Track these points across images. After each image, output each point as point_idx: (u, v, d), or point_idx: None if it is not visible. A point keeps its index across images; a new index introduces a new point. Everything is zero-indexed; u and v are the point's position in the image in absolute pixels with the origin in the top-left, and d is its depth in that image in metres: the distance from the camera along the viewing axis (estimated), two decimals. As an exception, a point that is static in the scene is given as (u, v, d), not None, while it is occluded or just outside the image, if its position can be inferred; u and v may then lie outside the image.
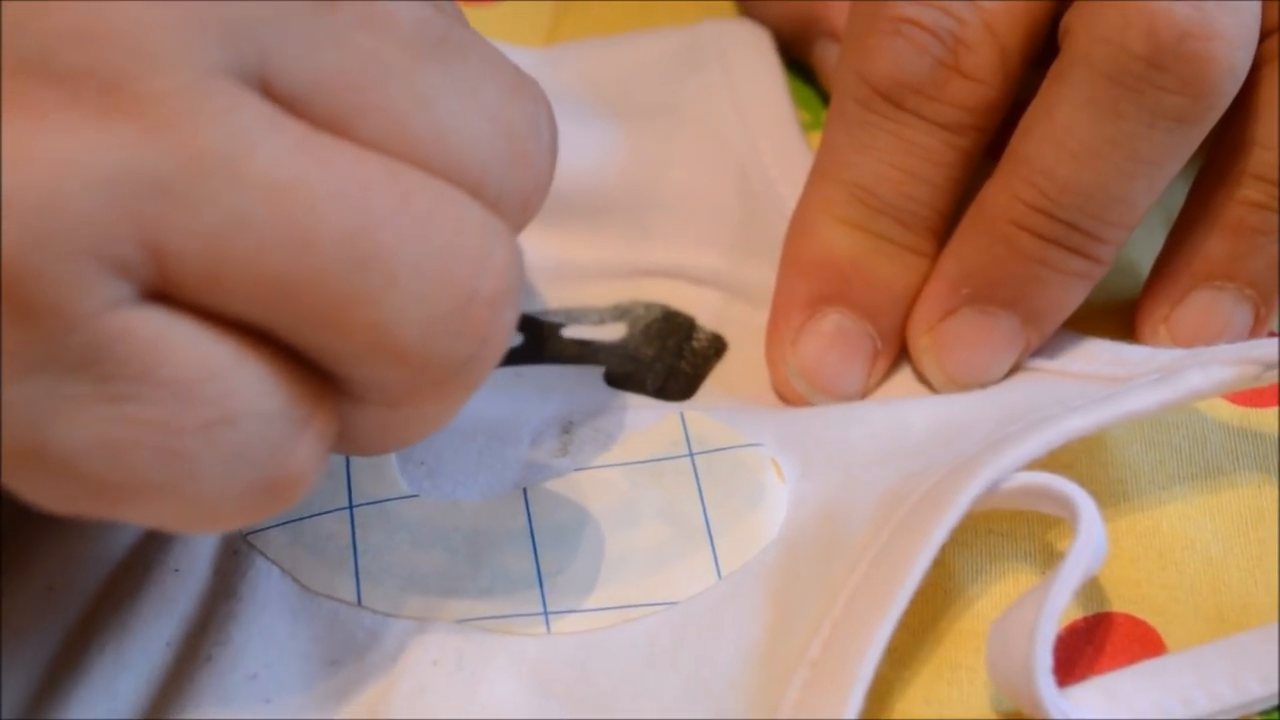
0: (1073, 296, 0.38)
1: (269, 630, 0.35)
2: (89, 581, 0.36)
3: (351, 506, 0.37)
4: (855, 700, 0.32)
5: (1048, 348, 0.39)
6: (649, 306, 0.41)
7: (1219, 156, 0.39)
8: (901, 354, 0.40)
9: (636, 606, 0.35)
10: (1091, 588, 0.36)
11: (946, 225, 0.39)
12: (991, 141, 0.39)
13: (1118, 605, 0.35)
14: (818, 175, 0.39)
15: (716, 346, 0.41)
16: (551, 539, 0.36)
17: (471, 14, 0.48)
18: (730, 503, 0.36)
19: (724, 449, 0.37)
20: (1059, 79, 0.36)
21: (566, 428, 0.38)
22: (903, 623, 0.34)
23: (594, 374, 0.40)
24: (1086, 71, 0.36)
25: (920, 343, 0.39)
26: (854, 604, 0.33)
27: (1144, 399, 0.35)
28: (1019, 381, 0.39)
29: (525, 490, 0.37)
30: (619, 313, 0.41)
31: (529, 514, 0.36)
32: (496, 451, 0.38)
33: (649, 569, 0.36)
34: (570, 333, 0.41)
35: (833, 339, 0.39)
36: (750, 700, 0.33)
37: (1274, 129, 0.38)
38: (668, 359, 0.40)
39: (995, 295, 0.38)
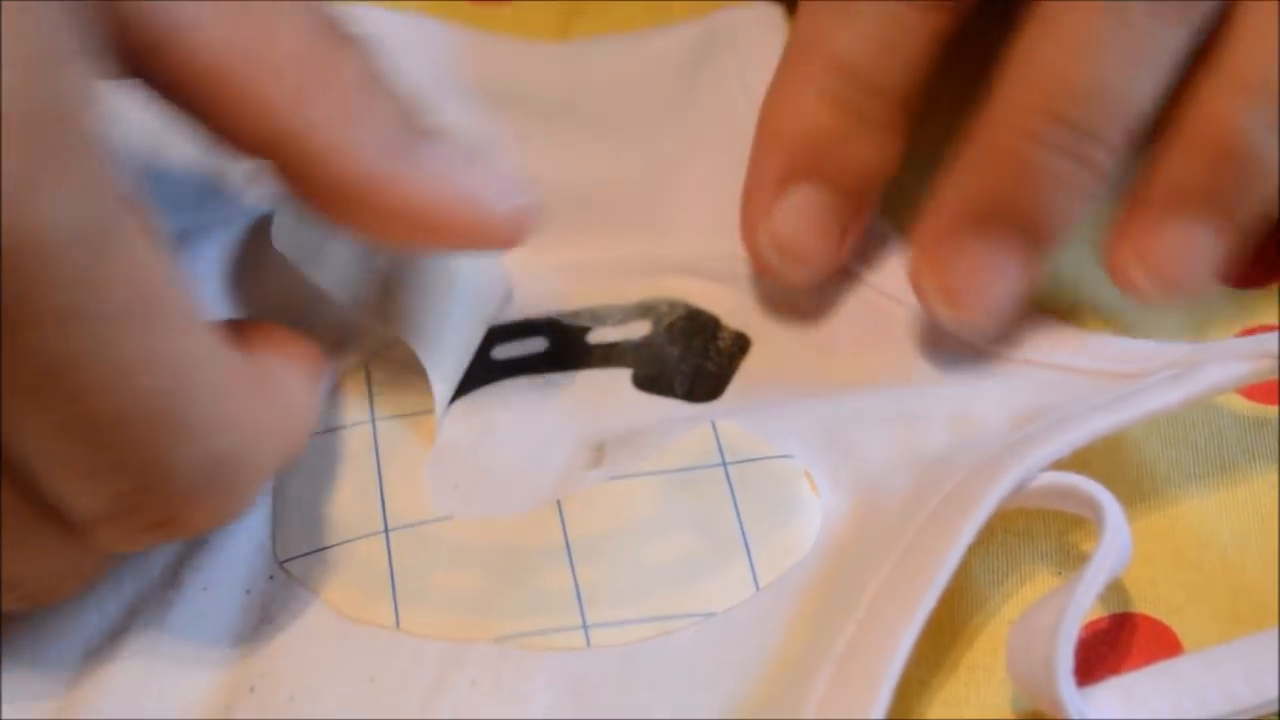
0: (1075, 213, 0.38)
1: (309, 659, 0.35)
2: (121, 598, 0.36)
3: (387, 531, 0.37)
4: (883, 699, 0.32)
5: (1049, 343, 0.39)
6: (673, 304, 0.41)
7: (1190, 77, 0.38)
8: (899, 320, 0.40)
9: (675, 618, 0.35)
10: (1108, 587, 0.35)
11: (919, 103, 0.39)
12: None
13: (1134, 605, 0.36)
14: (793, 49, 0.40)
15: (740, 344, 0.40)
16: (587, 551, 0.36)
17: (482, 13, 0.48)
18: (766, 514, 0.36)
19: (757, 459, 0.37)
20: None
21: (599, 446, 0.38)
22: (920, 623, 0.34)
23: (621, 377, 0.40)
24: None
25: (923, 272, 0.39)
26: (879, 604, 0.33)
27: (1166, 397, 0.35)
28: (1027, 377, 0.38)
29: (559, 503, 0.37)
30: (643, 310, 0.41)
31: (564, 527, 0.36)
32: (529, 471, 0.38)
33: (685, 579, 0.36)
34: (595, 337, 0.41)
35: (806, 212, 0.39)
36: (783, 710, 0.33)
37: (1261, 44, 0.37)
38: (694, 359, 0.40)
39: (1001, 220, 0.38)
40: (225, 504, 0.32)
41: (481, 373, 0.40)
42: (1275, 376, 0.36)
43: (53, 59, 0.28)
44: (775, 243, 0.39)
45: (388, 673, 0.35)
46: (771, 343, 0.40)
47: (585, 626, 0.35)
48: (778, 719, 0.33)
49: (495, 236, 0.35)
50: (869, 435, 0.38)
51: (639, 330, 0.41)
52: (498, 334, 0.41)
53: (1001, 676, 0.34)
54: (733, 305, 0.41)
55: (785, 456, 0.37)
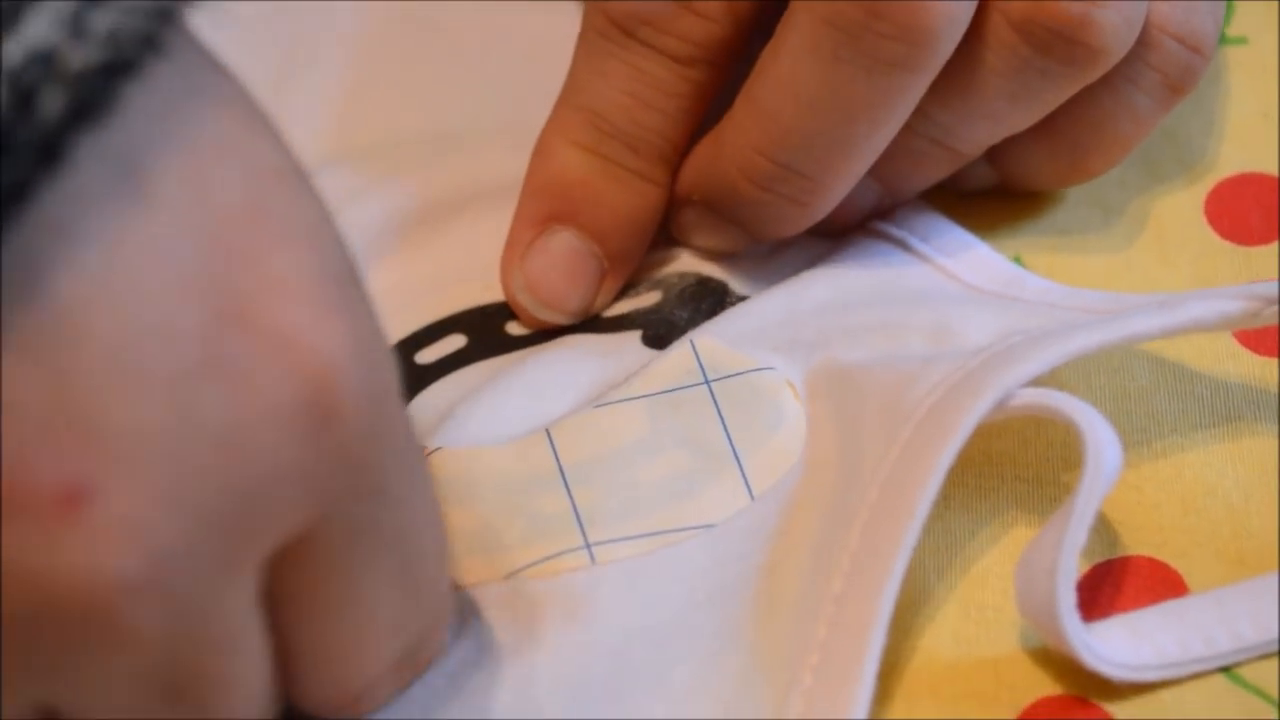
0: (784, 230, 0.40)
1: None
2: None
3: None
4: (878, 637, 0.33)
5: (1035, 290, 0.40)
6: (683, 275, 0.42)
7: None
8: (897, 263, 0.41)
9: (675, 531, 0.36)
10: (1114, 533, 0.36)
11: (679, 154, 0.41)
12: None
13: (1142, 550, 0.36)
14: (559, 101, 0.41)
15: None
16: (581, 474, 0.37)
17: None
18: (752, 426, 0.37)
19: (739, 374, 0.38)
20: (786, 22, 0.38)
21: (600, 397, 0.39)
22: (929, 563, 0.35)
23: (631, 338, 0.41)
24: (808, 17, 0.37)
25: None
26: (870, 535, 0.34)
27: (1147, 323, 0.36)
28: (1012, 308, 0.39)
29: (548, 430, 0.37)
30: (653, 283, 0.42)
31: (555, 453, 0.37)
32: (532, 405, 0.39)
33: (681, 494, 0.36)
34: (607, 311, 0.42)
35: (559, 257, 0.40)
36: (783, 644, 0.34)
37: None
38: (702, 321, 0.41)
39: (722, 210, 0.40)
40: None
41: (496, 347, 0.41)
42: (1260, 322, 0.36)
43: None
44: (528, 286, 0.41)
45: None
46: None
47: (588, 545, 0.36)
48: (787, 663, 0.33)
49: None
50: (850, 345, 0.38)
51: (649, 300, 0.41)
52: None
53: (1011, 614, 0.35)
54: (743, 273, 0.42)
55: (767, 369, 0.38)
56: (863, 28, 0.36)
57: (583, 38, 0.41)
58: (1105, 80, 0.38)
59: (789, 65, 0.37)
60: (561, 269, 0.40)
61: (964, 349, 0.37)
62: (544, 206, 0.41)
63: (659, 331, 0.41)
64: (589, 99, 0.40)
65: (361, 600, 0.30)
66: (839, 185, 0.39)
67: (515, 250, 0.41)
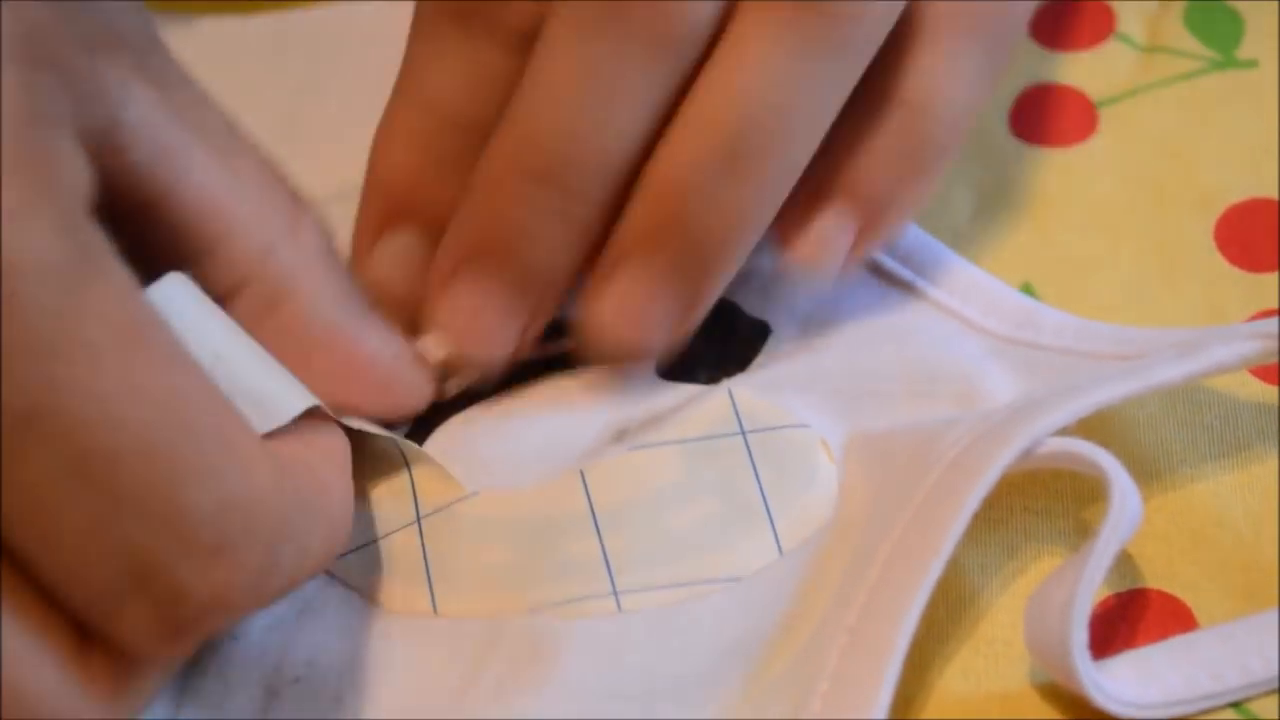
0: (562, 260, 0.38)
1: (353, 657, 0.36)
2: None
3: (419, 519, 0.38)
4: (893, 669, 0.33)
5: (1054, 328, 0.40)
6: None
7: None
8: (910, 305, 0.41)
9: (703, 583, 0.36)
10: (1125, 565, 0.36)
11: None
12: None
13: (1150, 582, 0.36)
14: (394, 91, 0.40)
15: (760, 331, 0.41)
16: (613, 519, 0.37)
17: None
18: (785, 482, 0.37)
19: (775, 429, 0.38)
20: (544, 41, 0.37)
21: (622, 432, 0.39)
22: (939, 597, 0.35)
23: (645, 368, 0.41)
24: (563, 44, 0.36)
25: (430, 306, 0.39)
26: (889, 572, 0.34)
27: (1171, 371, 0.36)
28: (1033, 359, 0.39)
29: (582, 472, 0.38)
30: None
31: (588, 495, 0.37)
32: (553, 449, 0.39)
33: (711, 545, 0.37)
34: None
35: (398, 257, 0.39)
36: (793, 675, 0.34)
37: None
38: (716, 347, 0.41)
39: (492, 266, 0.38)
40: (243, 567, 0.30)
41: (509, 371, 0.41)
42: (1277, 360, 0.36)
43: (45, 120, 0.29)
44: (372, 290, 0.39)
45: (430, 660, 0.36)
46: (788, 329, 0.41)
47: (615, 593, 0.36)
48: (794, 690, 0.34)
49: (406, 405, 0.38)
50: (879, 407, 0.38)
51: None
52: None
53: (1019, 649, 0.35)
54: (752, 295, 0.42)
55: (802, 425, 0.38)
56: (609, 21, 0.36)
57: (415, 25, 0.39)
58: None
59: (543, 75, 0.36)
60: (403, 271, 0.39)
61: (990, 409, 0.37)
62: (381, 205, 0.39)
63: (674, 361, 0.40)
64: (420, 88, 0.39)
65: (29, 493, 0.29)
66: (604, 194, 0.37)
67: (358, 253, 0.40)
